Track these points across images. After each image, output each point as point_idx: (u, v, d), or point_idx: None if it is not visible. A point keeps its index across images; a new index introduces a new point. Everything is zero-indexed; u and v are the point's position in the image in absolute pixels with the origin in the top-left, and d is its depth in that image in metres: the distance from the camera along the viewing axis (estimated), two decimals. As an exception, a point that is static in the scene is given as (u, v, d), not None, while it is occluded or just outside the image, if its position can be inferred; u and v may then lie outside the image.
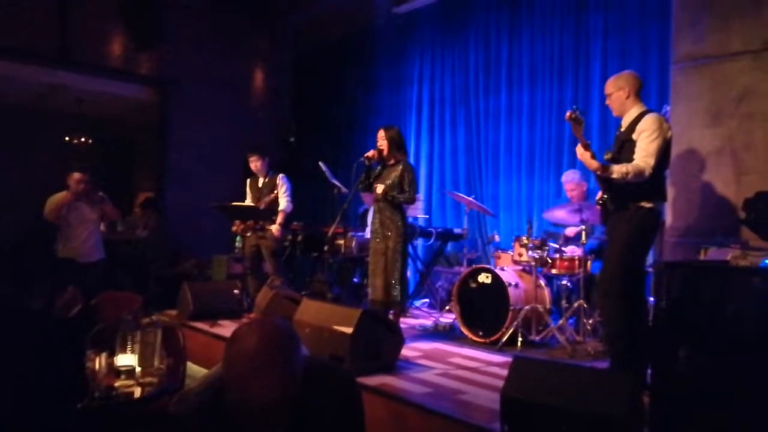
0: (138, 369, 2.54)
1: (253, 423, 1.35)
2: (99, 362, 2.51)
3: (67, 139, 8.86)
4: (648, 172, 3.13)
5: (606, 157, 3.30)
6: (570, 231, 4.82)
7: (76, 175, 5.08)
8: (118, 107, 8.22)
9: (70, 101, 8.08)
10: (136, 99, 7.60)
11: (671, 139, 3.28)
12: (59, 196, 5.08)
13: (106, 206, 5.29)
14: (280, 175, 5.56)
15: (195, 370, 4.00)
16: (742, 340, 2.36)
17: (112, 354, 2.58)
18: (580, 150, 3.25)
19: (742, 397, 2.31)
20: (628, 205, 3.21)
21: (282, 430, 1.39)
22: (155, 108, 7.54)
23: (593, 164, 3.20)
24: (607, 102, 3.48)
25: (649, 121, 3.20)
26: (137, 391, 2.44)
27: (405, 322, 5.23)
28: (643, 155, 3.15)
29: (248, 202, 5.65)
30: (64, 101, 8.05)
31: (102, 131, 9.13)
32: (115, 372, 2.51)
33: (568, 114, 3.18)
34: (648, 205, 3.20)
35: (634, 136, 3.23)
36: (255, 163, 5.57)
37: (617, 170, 3.15)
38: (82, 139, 8.88)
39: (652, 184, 3.18)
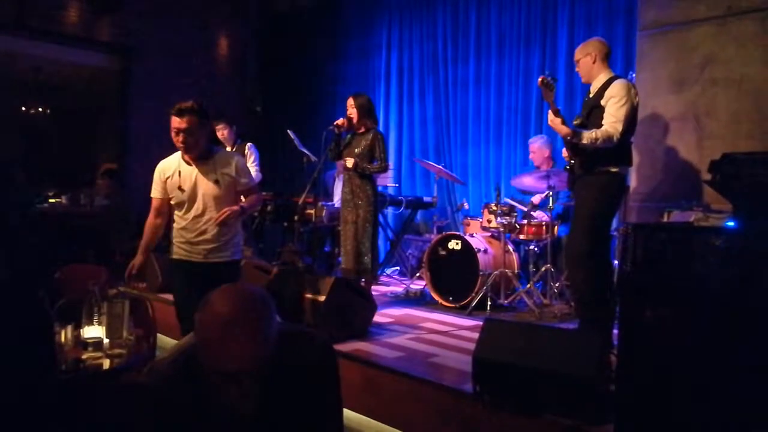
0: (106, 341, 2.50)
1: (226, 389, 1.34)
2: (65, 335, 2.47)
3: (23, 108, 8.52)
4: (617, 137, 3.17)
5: (575, 122, 3.35)
6: (536, 199, 4.88)
7: (175, 120, 2.98)
8: (78, 75, 7.92)
9: (27, 69, 7.74)
10: (96, 67, 7.32)
11: (638, 105, 3.32)
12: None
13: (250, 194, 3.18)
14: (249, 144, 5.46)
15: (164, 341, 3.96)
16: (705, 299, 2.44)
17: (78, 327, 2.54)
18: (551, 116, 3.28)
19: (705, 354, 2.39)
20: (594, 169, 3.26)
21: (257, 396, 1.38)
22: (116, 76, 7.28)
23: (563, 130, 3.23)
24: (577, 69, 3.52)
25: (617, 87, 3.23)
26: (106, 363, 2.41)
27: (376, 290, 5.27)
28: (612, 121, 3.19)
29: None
30: (20, 69, 7.71)
31: (61, 100, 8.80)
32: (82, 344, 2.47)
33: (540, 79, 3.20)
34: (614, 169, 3.25)
35: (602, 102, 3.26)
36: (222, 132, 5.45)
37: (587, 136, 3.19)
38: (40, 109, 8.55)
39: (618, 149, 3.23)
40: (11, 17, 6.23)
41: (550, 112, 3.28)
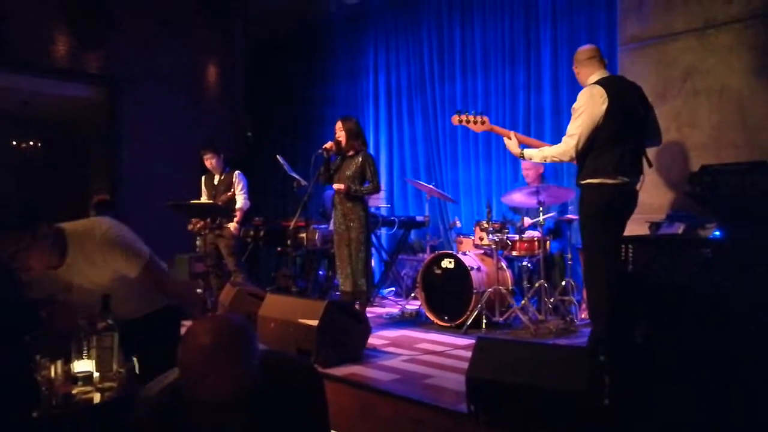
0: (96, 374, 2.47)
1: (211, 420, 1.34)
2: (54, 370, 2.44)
3: (14, 143, 8.54)
4: (572, 152, 3.11)
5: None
6: (527, 222, 4.86)
7: None
8: (67, 108, 7.95)
9: (15, 103, 7.78)
10: (85, 98, 7.35)
11: (616, 107, 3.08)
12: None
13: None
14: (236, 172, 5.50)
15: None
16: (694, 310, 2.44)
17: (68, 361, 2.51)
18: (506, 141, 3.35)
19: (697, 364, 2.39)
20: (577, 182, 3.25)
21: (242, 425, 1.38)
22: (106, 107, 7.31)
23: (514, 150, 3.32)
24: None
25: (578, 97, 3.16)
26: (96, 397, 2.38)
27: (372, 312, 5.24)
28: (566, 135, 3.15)
29: (204, 199, 5.57)
30: (7, 104, 7.75)
31: (51, 133, 8.84)
32: (72, 379, 2.44)
33: (454, 119, 3.27)
34: (594, 181, 3.13)
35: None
36: (210, 161, 5.49)
37: (536, 155, 3.22)
38: (30, 143, 8.57)
39: (597, 158, 3.12)
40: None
41: (504, 138, 3.36)
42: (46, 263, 2.18)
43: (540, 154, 3.18)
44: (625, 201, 3.20)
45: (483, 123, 3.30)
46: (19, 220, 2.04)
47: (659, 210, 3.88)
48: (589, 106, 3.09)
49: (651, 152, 4.02)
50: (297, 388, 1.48)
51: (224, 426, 1.35)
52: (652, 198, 3.99)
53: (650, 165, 3.31)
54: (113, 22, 6.89)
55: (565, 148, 3.12)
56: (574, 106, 3.16)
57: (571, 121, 3.16)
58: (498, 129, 3.32)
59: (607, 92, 3.10)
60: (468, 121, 3.27)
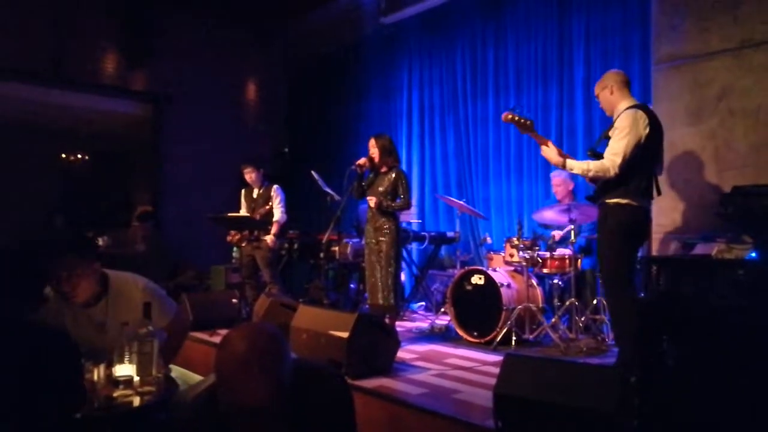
0: (136, 379, 2.59)
1: (246, 426, 1.39)
2: (98, 373, 2.57)
3: (63, 155, 8.94)
4: (614, 171, 3.16)
5: (588, 153, 3.39)
6: (557, 234, 4.86)
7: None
8: (113, 123, 8.30)
9: (65, 118, 8.16)
10: (131, 114, 7.67)
11: (652, 134, 3.22)
12: None
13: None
14: (275, 187, 5.64)
15: (195, 378, 4.04)
16: (727, 332, 2.42)
17: (110, 365, 2.64)
18: (543, 148, 3.37)
19: (728, 386, 2.36)
20: (602, 200, 3.27)
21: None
22: (150, 123, 7.61)
23: (554, 159, 3.32)
24: (600, 106, 3.53)
25: (621, 119, 3.22)
26: (136, 401, 2.49)
27: (402, 326, 5.28)
28: (610, 153, 3.20)
29: (243, 212, 5.73)
30: (58, 118, 8.13)
31: (97, 147, 9.22)
32: (114, 382, 2.56)
33: (504, 116, 3.30)
34: (623, 201, 3.19)
35: (610, 133, 3.27)
36: (250, 175, 5.66)
37: (578, 166, 3.24)
38: (78, 156, 8.95)
39: (628, 180, 3.19)
40: (50, 69, 6.62)
41: (541, 145, 3.38)
42: (88, 296, 2.41)
43: (584, 165, 3.21)
44: (645, 222, 3.34)
45: (527, 126, 3.36)
46: (81, 248, 2.31)
47: (693, 230, 3.84)
48: (634, 128, 3.17)
49: (689, 170, 4.01)
50: (327, 397, 1.54)
51: (256, 431, 1.40)
52: (687, 218, 3.96)
53: (659, 192, 3.38)
54: (159, 42, 7.20)
55: (610, 164, 3.17)
56: (618, 126, 3.21)
57: (614, 141, 3.20)
58: (537, 135, 3.37)
59: (648, 119, 3.22)
60: (515, 120, 3.33)
